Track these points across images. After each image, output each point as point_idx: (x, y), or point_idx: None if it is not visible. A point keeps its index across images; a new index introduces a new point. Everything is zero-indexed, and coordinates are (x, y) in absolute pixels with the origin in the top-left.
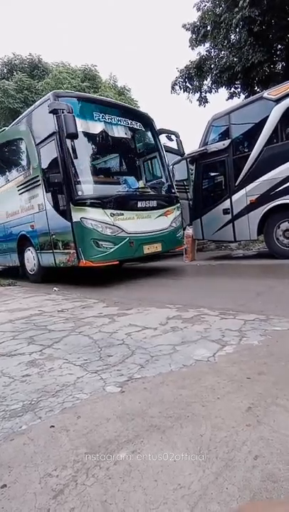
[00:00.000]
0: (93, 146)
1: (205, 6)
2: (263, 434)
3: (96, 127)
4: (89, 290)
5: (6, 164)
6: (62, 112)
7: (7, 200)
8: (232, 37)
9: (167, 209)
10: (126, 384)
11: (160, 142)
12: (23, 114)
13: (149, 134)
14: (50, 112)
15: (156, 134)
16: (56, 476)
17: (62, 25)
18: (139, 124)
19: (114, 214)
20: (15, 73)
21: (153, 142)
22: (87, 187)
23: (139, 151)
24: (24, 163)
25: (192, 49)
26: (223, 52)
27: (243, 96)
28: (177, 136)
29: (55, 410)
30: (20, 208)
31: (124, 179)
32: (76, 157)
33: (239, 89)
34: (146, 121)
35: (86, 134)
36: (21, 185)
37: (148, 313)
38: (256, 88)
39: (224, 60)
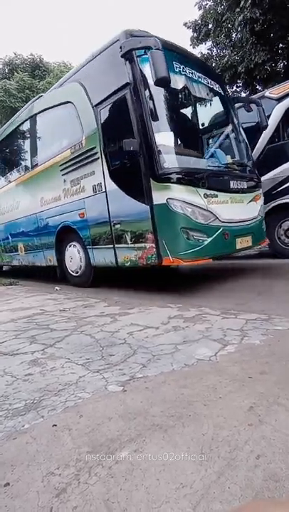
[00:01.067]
0: (175, 105)
1: (206, 4)
2: (264, 433)
3: (177, 82)
4: (90, 290)
5: (41, 140)
6: (150, 50)
7: (43, 184)
8: (233, 36)
9: (256, 193)
10: (128, 383)
11: (236, 111)
12: (71, 72)
13: (226, 100)
14: (123, 56)
15: (231, 101)
16: (59, 474)
17: (62, 25)
18: (218, 86)
19: (207, 195)
20: (16, 73)
21: (230, 110)
22: (174, 158)
23: (220, 119)
24: (71, 134)
25: (193, 47)
26: (224, 51)
27: (244, 95)
28: (259, 104)
29: (58, 409)
30: (63, 193)
31: (213, 151)
32: (157, 118)
33: (240, 88)
34: (223, 85)
35: (167, 90)
36: (66, 162)
37: (149, 312)
38: (257, 87)
39: (226, 59)
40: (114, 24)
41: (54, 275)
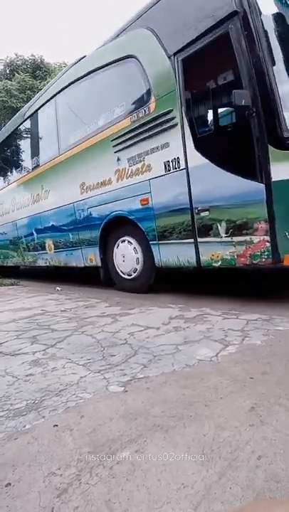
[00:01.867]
0: None
1: None
2: (266, 434)
3: None
4: (91, 290)
5: (81, 113)
6: None
7: (84, 167)
8: None
9: None
10: (129, 383)
11: None
12: (133, 17)
13: None
14: None
15: None
16: (60, 475)
17: (62, 25)
18: None
19: None
20: (17, 74)
21: None
22: None
23: None
24: (131, 98)
25: None
26: None
27: None
28: None
29: (59, 409)
30: (115, 175)
31: None
32: (279, 61)
33: None
34: None
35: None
36: (122, 136)
37: (150, 312)
38: None
39: None
40: (114, 24)
41: (94, 278)
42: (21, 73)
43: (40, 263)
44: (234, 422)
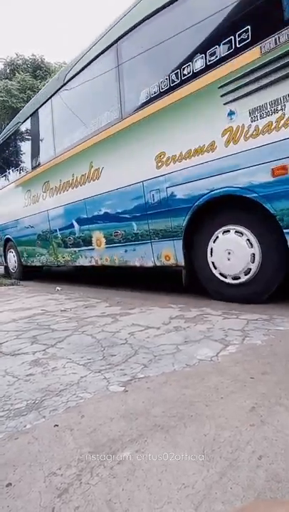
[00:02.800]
0: None
1: None
2: (266, 434)
3: None
4: (92, 290)
5: (172, 47)
6: None
7: (167, 128)
8: None
9: None
10: (129, 383)
11: None
12: None
13: None
14: None
15: None
16: (61, 474)
17: (62, 25)
18: None
19: None
20: (17, 73)
21: None
22: None
23: None
24: (266, 17)
25: None
26: None
27: None
28: None
29: (59, 409)
30: (223, 137)
31: None
32: None
33: None
34: None
35: None
36: (248, 74)
37: (151, 312)
38: None
39: None
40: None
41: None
42: (22, 73)
43: (83, 262)
44: (235, 421)
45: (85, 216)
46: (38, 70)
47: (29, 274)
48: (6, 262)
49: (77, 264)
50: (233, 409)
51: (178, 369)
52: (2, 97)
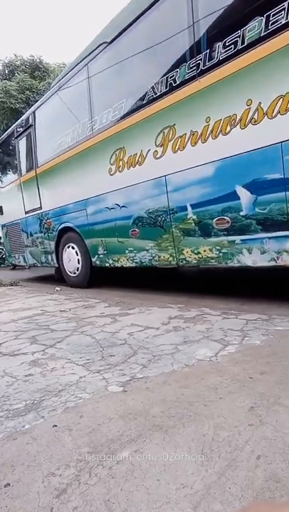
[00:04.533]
0: None
1: None
2: (265, 433)
3: None
4: (91, 290)
5: None
6: None
7: None
8: None
9: None
10: (128, 384)
11: None
12: None
13: None
14: None
15: None
16: (59, 475)
17: (61, 26)
18: None
19: None
20: (16, 74)
21: None
22: None
23: None
24: None
25: None
26: None
27: None
28: None
29: (58, 410)
30: None
31: None
32: None
33: None
34: None
35: None
36: None
37: (150, 312)
38: None
39: None
40: None
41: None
42: (20, 73)
43: (253, 260)
44: (233, 421)
45: (278, 176)
46: (37, 71)
47: (100, 278)
48: (60, 262)
49: (231, 263)
50: (232, 409)
51: (177, 369)
52: (1, 98)
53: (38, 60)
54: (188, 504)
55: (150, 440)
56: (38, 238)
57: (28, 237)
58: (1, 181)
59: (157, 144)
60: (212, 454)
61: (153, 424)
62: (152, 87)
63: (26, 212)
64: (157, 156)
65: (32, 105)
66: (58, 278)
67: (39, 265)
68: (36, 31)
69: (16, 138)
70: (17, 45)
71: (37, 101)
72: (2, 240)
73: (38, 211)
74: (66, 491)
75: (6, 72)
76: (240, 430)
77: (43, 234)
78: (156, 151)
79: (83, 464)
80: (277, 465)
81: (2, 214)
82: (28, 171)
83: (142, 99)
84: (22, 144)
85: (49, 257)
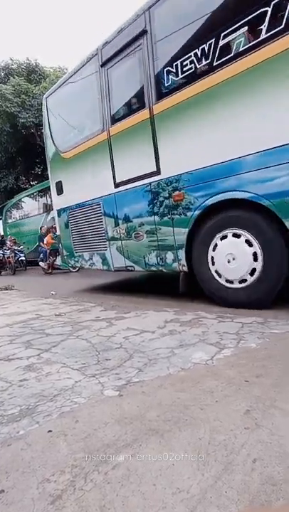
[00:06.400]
0: None
1: None
2: (261, 437)
3: None
4: (86, 294)
5: None
6: None
7: None
8: None
9: None
10: (124, 388)
11: None
12: None
13: None
14: None
15: None
16: (54, 481)
17: (57, 30)
18: None
19: None
20: (11, 78)
21: None
22: None
23: None
24: None
25: None
26: None
27: None
28: None
29: (53, 415)
30: None
31: None
32: None
33: None
34: None
35: None
36: None
37: (146, 316)
38: None
39: None
40: (111, 29)
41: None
42: (16, 77)
43: None
44: (230, 425)
45: None
46: (33, 74)
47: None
48: (197, 264)
49: None
50: (228, 413)
51: (173, 373)
52: None
53: (34, 64)
54: (185, 509)
55: (146, 444)
56: (143, 225)
57: (117, 225)
58: (55, 145)
59: None
60: (208, 457)
61: (149, 428)
62: None
63: (117, 185)
64: None
65: (27, 109)
66: (184, 291)
67: (134, 269)
68: (33, 35)
69: (102, 65)
70: (13, 48)
71: (32, 105)
72: (58, 233)
73: (151, 179)
74: (61, 497)
75: (2, 75)
76: (236, 434)
77: (159, 217)
78: None
79: (78, 469)
80: (274, 468)
81: (62, 193)
82: (127, 114)
83: None
84: (117, 70)
85: (168, 255)
